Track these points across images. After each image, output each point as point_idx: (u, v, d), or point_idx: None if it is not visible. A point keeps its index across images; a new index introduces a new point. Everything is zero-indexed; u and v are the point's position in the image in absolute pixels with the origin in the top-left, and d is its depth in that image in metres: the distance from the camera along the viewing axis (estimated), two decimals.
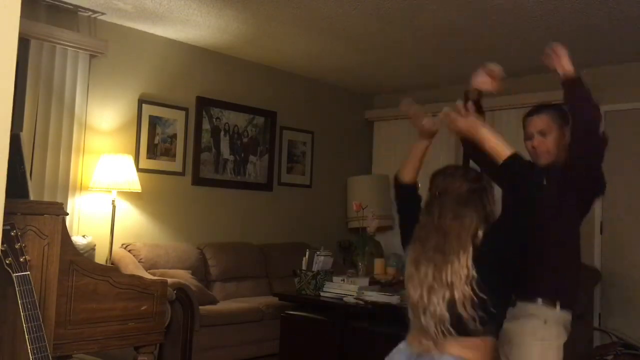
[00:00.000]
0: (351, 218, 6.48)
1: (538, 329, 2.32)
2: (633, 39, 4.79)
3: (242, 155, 5.93)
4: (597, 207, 5.52)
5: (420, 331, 1.95)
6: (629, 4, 4.05)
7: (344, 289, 4.18)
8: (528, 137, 2.53)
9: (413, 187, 2.30)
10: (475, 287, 1.86)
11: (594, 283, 5.33)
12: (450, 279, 1.88)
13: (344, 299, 4.08)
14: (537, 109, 2.61)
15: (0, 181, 1.72)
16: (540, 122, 2.54)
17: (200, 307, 4.45)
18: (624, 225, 5.39)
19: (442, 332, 1.88)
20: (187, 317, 4.32)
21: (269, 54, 5.68)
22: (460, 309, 1.86)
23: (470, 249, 1.89)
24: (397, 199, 2.34)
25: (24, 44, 4.20)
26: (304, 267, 4.51)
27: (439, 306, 1.88)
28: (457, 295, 1.86)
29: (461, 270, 1.87)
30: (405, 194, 2.30)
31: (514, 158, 1.95)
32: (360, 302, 3.99)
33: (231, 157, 5.83)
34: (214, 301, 4.85)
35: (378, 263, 4.57)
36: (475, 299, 1.85)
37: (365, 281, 4.25)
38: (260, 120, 6.08)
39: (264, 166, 6.12)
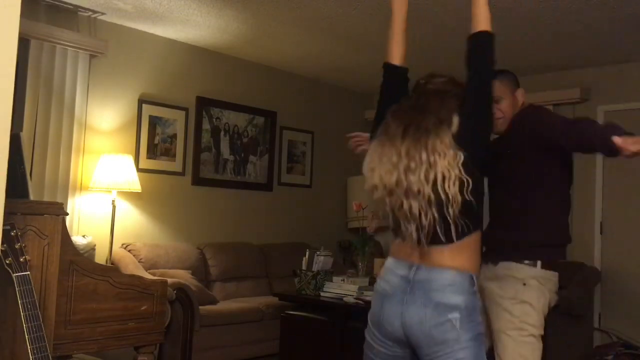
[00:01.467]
0: (351, 218, 6.48)
1: (518, 291, 2.38)
2: (633, 39, 4.79)
3: (242, 155, 5.93)
4: (597, 207, 5.53)
5: (407, 243, 1.90)
6: (629, 3, 4.05)
7: (344, 289, 4.18)
8: None
9: (405, 69, 2.34)
10: (462, 169, 1.80)
11: (594, 283, 5.33)
12: (433, 157, 1.81)
13: (344, 299, 4.09)
14: None
15: (0, 181, 1.72)
16: (494, 87, 2.43)
17: (200, 307, 4.45)
18: (624, 225, 5.38)
19: (435, 221, 1.81)
20: (187, 317, 4.32)
21: (269, 54, 5.68)
22: (447, 190, 1.78)
23: (453, 127, 1.86)
24: (384, 80, 2.36)
25: (24, 44, 4.20)
26: (304, 267, 4.52)
27: (423, 185, 1.80)
28: (439, 174, 1.79)
29: (445, 150, 1.81)
30: (396, 75, 2.34)
31: (492, 35, 2.16)
32: (360, 302, 3.99)
33: (231, 157, 5.83)
34: (214, 301, 4.85)
35: (378, 263, 4.57)
36: (463, 181, 1.79)
37: (365, 281, 4.25)
38: (260, 120, 6.08)
39: (264, 166, 6.12)
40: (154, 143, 5.19)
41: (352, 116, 7.04)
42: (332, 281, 4.30)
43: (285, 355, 4.36)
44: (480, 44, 2.26)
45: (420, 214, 1.81)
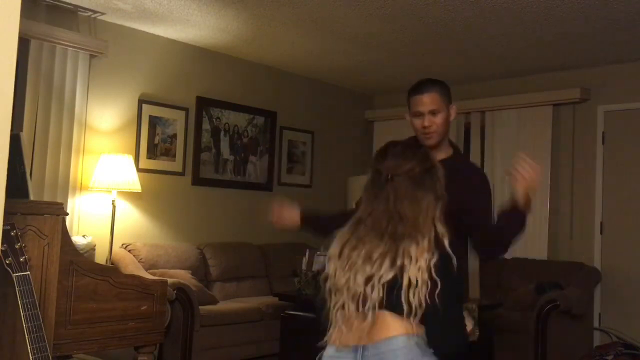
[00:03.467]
0: None
1: None
2: (633, 39, 4.79)
3: (242, 155, 5.93)
4: (597, 207, 5.53)
5: (348, 322, 1.77)
6: (629, 3, 4.05)
7: None
8: (416, 115, 2.38)
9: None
10: (433, 272, 1.68)
11: (594, 283, 5.33)
12: (401, 262, 1.70)
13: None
14: (427, 86, 2.39)
15: (0, 181, 1.72)
16: (431, 100, 2.36)
17: (200, 307, 4.45)
18: (624, 225, 5.38)
19: (377, 309, 1.70)
20: (187, 317, 4.32)
21: (269, 54, 5.68)
22: (411, 299, 1.66)
23: (432, 234, 1.74)
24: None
25: (24, 44, 4.20)
26: (304, 267, 4.52)
27: (374, 290, 1.70)
28: (405, 281, 1.68)
29: (419, 255, 1.69)
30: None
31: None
32: None
33: (231, 157, 5.83)
34: (214, 301, 4.85)
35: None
36: (429, 285, 1.67)
37: None
38: (260, 120, 6.08)
39: (264, 166, 6.12)
40: (154, 143, 5.19)
41: (352, 116, 7.04)
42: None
43: (285, 355, 4.36)
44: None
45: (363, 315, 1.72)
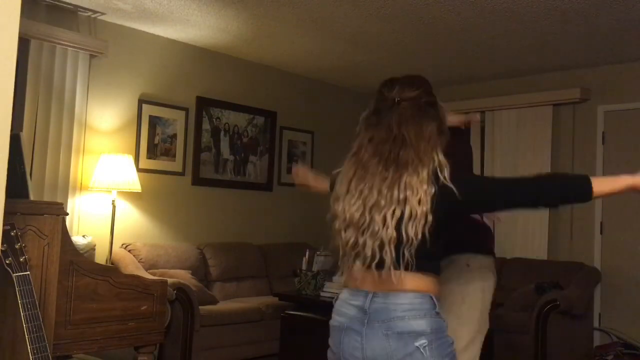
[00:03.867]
0: None
1: (461, 271, 2.53)
2: (633, 39, 4.79)
3: (242, 155, 5.93)
4: (597, 207, 5.53)
5: (360, 268, 1.75)
6: (629, 4, 4.05)
7: None
8: None
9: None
10: (429, 208, 1.66)
11: (594, 283, 5.33)
12: (404, 194, 1.68)
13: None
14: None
15: (0, 181, 1.72)
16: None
17: (200, 307, 4.45)
18: (624, 225, 5.38)
19: (392, 259, 1.68)
20: (187, 317, 4.32)
21: (269, 54, 5.68)
22: (409, 230, 1.65)
23: (432, 165, 1.70)
24: None
25: (24, 44, 4.20)
26: (304, 267, 4.52)
27: (387, 225, 1.67)
28: (407, 212, 1.66)
29: (419, 186, 1.67)
30: None
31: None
32: None
33: (231, 157, 5.83)
34: (214, 301, 4.85)
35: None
36: (428, 219, 1.66)
37: None
38: (260, 120, 6.08)
39: (264, 166, 6.12)
40: (154, 143, 5.19)
41: (352, 116, 6.98)
42: (332, 281, 4.30)
43: (285, 355, 4.36)
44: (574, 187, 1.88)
45: (374, 253, 1.69)
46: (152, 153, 5.17)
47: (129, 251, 4.80)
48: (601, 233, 5.52)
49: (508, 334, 4.68)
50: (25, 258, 2.27)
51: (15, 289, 2.22)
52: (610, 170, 5.51)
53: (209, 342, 4.50)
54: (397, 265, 1.68)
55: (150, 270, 4.66)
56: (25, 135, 4.21)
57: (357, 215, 1.73)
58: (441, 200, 1.68)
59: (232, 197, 5.81)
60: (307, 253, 4.60)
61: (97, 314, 2.71)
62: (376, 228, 1.69)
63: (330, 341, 1.84)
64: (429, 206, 1.66)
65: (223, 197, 5.73)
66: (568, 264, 5.37)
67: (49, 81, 4.41)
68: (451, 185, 1.68)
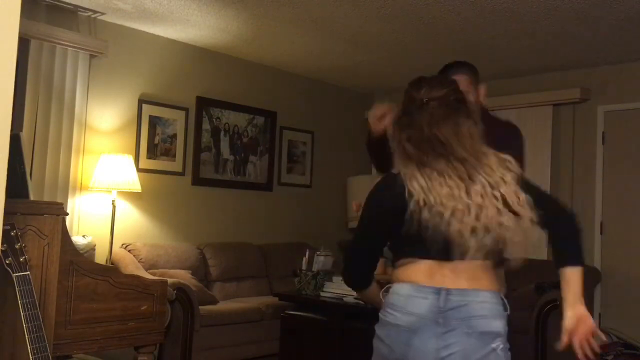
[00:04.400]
0: (351, 218, 6.48)
1: None
2: (633, 39, 4.79)
3: (242, 155, 5.93)
4: (597, 207, 5.53)
5: (433, 261, 1.70)
6: (629, 3, 4.05)
7: (344, 289, 4.17)
8: None
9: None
10: (519, 189, 1.69)
11: (594, 283, 5.33)
12: (493, 179, 1.69)
13: (344, 299, 4.08)
14: (458, 67, 2.40)
15: (0, 181, 1.72)
16: (461, 82, 2.26)
17: (200, 307, 4.45)
18: (624, 225, 5.38)
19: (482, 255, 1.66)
20: (187, 317, 4.31)
21: (269, 54, 5.68)
22: (515, 208, 1.66)
23: (493, 156, 1.74)
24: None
25: (24, 44, 4.20)
26: (304, 267, 4.51)
27: (498, 205, 1.66)
28: (506, 193, 1.67)
29: (499, 172, 1.70)
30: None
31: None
32: (360, 302, 3.99)
33: (231, 157, 5.83)
34: (214, 301, 4.85)
35: (379, 263, 4.56)
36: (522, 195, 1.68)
37: None
38: (260, 120, 6.08)
39: (264, 166, 6.12)
40: (154, 143, 5.19)
41: (352, 116, 7.04)
42: (332, 281, 4.30)
43: (285, 355, 4.36)
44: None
45: (466, 242, 1.65)
46: (152, 153, 5.17)
47: (129, 251, 4.80)
48: (601, 233, 5.52)
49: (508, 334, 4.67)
50: (25, 258, 2.26)
51: (15, 289, 2.22)
52: (611, 170, 5.51)
53: (209, 342, 4.50)
54: (481, 256, 1.68)
55: (150, 270, 4.66)
56: (25, 135, 4.21)
57: (459, 205, 1.66)
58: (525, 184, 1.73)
59: (232, 197, 5.81)
60: (307, 253, 4.60)
61: (97, 314, 2.71)
62: (491, 211, 1.65)
63: (387, 338, 1.72)
64: (518, 187, 1.70)
65: (223, 197, 5.73)
66: None
67: (49, 81, 4.41)
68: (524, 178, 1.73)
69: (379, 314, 1.78)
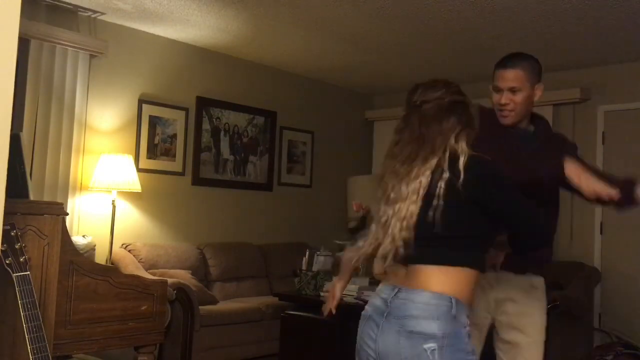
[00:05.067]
0: (351, 218, 6.47)
1: (528, 293, 2.40)
2: (633, 39, 4.79)
3: (242, 155, 5.93)
4: (597, 207, 5.52)
5: (394, 264, 1.80)
6: (629, 3, 4.05)
7: None
8: (496, 89, 2.27)
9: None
10: (441, 193, 1.70)
11: (594, 283, 5.33)
12: (416, 185, 1.73)
13: (344, 299, 4.08)
14: (512, 61, 2.24)
15: (0, 181, 1.72)
16: (513, 77, 2.21)
17: (200, 307, 4.45)
18: (624, 225, 5.38)
19: (407, 256, 1.73)
20: (187, 317, 4.32)
21: (269, 54, 5.68)
22: (428, 218, 1.70)
23: (445, 154, 1.74)
24: None
25: (24, 44, 4.20)
26: (304, 267, 4.52)
27: (407, 217, 1.72)
28: (421, 202, 1.72)
29: (422, 174, 1.73)
30: None
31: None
32: (360, 302, 3.99)
33: (231, 157, 5.83)
34: (214, 301, 4.85)
35: (378, 263, 4.57)
36: (443, 205, 1.69)
37: (365, 281, 4.25)
38: (260, 120, 6.08)
39: (264, 166, 6.12)
40: (154, 143, 5.19)
41: (352, 116, 7.04)
42: (332, 281, 4.29)
43: (285, 355, 4.36)
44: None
45: (398, 248, 1.73)
46: (152, 153, 5.17)
47: (129, 251, 4.80)
48: (601, 233, 5.52)
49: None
50: (25, 258, 2.26)
51: (15, 289, 2.22)
52: (611, 170, 5.50)
53: (209, 342, 4.50)
54: (421, 258, 1.73)
55: (150, 270, 4.66)
56: (25, 135, 4.21)
57: (383, 215, 1.79)
58: (451, 185, 1.70)
59: (232, 197, 5.81)
60: (307, 253, 4.60)
61: (97, 314, 2.71)
62: (398, 225, 1.73)
63: (359, 327, 1.87)
64: (440, 191, 1.69)
65: (223, 197, 5.73)
66: (568, 264, 5.37)
67: (49, 81, 4.41)
68: (459, 172, 1.69)
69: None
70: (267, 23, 4.75)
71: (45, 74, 4.39)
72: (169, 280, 3.90)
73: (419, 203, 1.72)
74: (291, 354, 4.30)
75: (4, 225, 1.92)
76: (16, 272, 2.23)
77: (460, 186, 1.69)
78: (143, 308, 2.89)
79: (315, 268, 4.43)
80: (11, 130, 1.81)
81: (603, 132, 5.58)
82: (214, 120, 5.68)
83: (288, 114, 6.34)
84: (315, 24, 4.71)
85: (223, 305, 4.87)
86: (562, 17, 4.33)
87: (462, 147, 1.74)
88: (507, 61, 2.24)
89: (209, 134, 5.63)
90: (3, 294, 2.33)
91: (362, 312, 1.86)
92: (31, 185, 2.97)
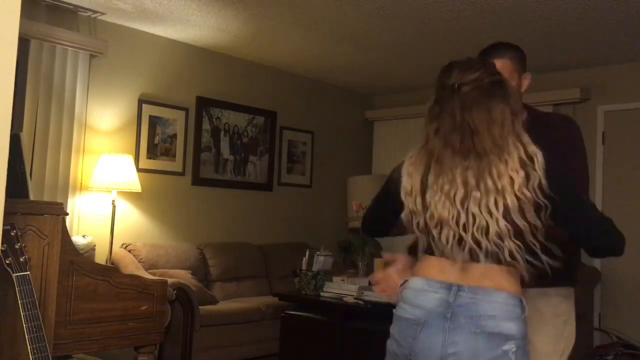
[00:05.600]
0: (351, 218, 6.48)
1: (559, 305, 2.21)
2: (633, 39, 4.79)
3: (242, 155, 5.93)
4: (597, 207, 5.52)
5: (446, 259, 1.64)
6: (629, 3, 4.05)
7: (344, 289, 4.18)
8: None
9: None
10: (538, 193, 1.54)
11: (594, 283, 5.33)
12: (500, 184, 1.55)
13: (344, 299, 4.09)
14: (499, 51, 2.10)
15: (0, 181, 1.72)
16: (500, 68, 1.98)
17: (200, 307, 4.45)
18: (624, 225, 5.35)
19: (492, 254, 1.57)
20: (187, 317, 4.32)
21: (269, 54, 5.68)
22: (517, 219, 1.54)
23: (518, 152, 1.57)
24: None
25: (24, 44, 4.20)
26: (304, 267, 4.52)
27: (493, 215, 1.54)
28: (510, 201, 1.54)
29: (511, 173, 1.55)
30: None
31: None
32: (360, 302, 3.99)
33: (231, 157, 5.83)
34: (214, 301, 4.85)
35: (378, 263, 4.57)
36: (541, 203, 1.54)
37: (365, 281, 4.25)
38: (260, 120, 6.08)
39: (264, 166, 6.12)
40: (154, 143, 5.19)
41: (352, 116, 7.04)
42: (332, 281, 4.30)
43: (285, 355, 4.36)
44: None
45: (480, 247, 1.58)
46: (152, 153, 5.17)
47: (129, 251, 4.80)
48: None
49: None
50: (25, 258, 2.26)
51: (15, 289, 2.22)
52: (610, 170, 5.51)
53: (209, 342, 4.50)
54: (500, 259, 1.58)
55: (150, 270, 4.66)
56: (25, 135, 4.21)
57: (446, 212, 1.60)
58: (548, 188, 1.56)
59: (232, 197, 5.81)
60: (307, 253, 4.60)
61: (97, 314, 2.71)
62: (483, 222, 1.56)
63: (397, 333, 1.68)
64: (534, 193, 1.55)
65: (223, 197, 5.73)
66: None
67: (49, 81, 4.41)
68: (542, 176, 1.56)
69: (393, 310, 1.73)
70: (267, 23, 4.75)
71: (45, 74, 4.39)
72: (169, 280, 3.90)
73: (517, 203, 1.56)
74: (291, 354, 4.30)
75: (4, 225, 1.92)
76: (16, 272, 2.23)
77: (544, 189, 1.56)
78: (143, 308, 2.89)
79: (315, 268, 4.43)
80: (11, 130, 1.81)
81: (603, 132, 5.58)
82: (214, 120, 5.68)
83: (288, 114, 6.34)
84: (315, 24, 4.71)
85: (223, 305, 4.87)
86: (562, 17, 4.33)
87: (528, 143, 1.60)
88: (492, 52, 2.10)
89: (209, 134, 5.63)
90: (3, 294, 2.33)
91: (404, 315, 1.68)
92: (31, 185, 2.97)
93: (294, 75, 6.37)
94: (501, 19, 4.40)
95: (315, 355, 4.15)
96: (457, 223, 1.59)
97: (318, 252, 4.53)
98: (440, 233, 1.62)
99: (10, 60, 1.75)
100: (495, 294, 1.58)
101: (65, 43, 4.45)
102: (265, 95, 6.14)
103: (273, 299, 4.89)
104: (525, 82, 2.14)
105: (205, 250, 5.31)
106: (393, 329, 1.71)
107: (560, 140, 2.02)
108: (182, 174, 5.40)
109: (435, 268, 1.66)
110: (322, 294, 4.27)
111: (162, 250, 4.96)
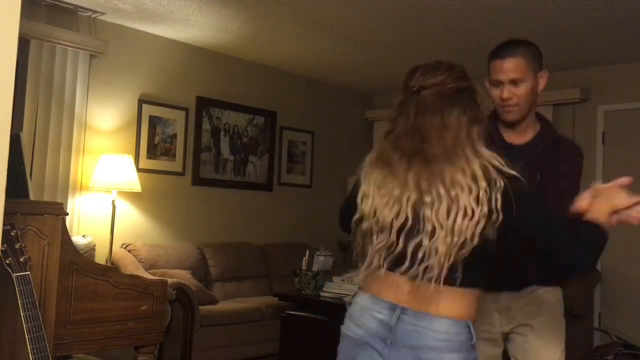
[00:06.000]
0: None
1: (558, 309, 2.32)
2: (633, 39, 4.79)
3: (242, 155, 5.93)
4: None
5: (388, 272, 1.53)
6: (629, 3, 4.05)
7: (344, 289, 4.18)
8: (494, 84, 2.02)
9: None
10: (493, 205, 1.44)
11: (594, 283, 5.33)
12: (454, 191, 1.44)
13: (344, 299, 4.08)
14: (512, 48, 2.00)
15: (0, 181, 1.72)
16: (514, 67, 1.96)
17: (200, 307, 4.45)
18: (624, 225, 5.37)
19: (439, 267, 1.45)
20: (187, 317, 4.32)
21: (269, 54, 5.68)
22: (467, 232, 1.43)
23: (478, 160, 1.47)
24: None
25: (24, 44, 4.20)
26: (304, 267, 4.52)
27: (442, 225, 1.44)
28: (461, 212, 1.43)
29: (471, 183, 1.44)
30: None
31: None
32: None
33: (231, 157, 5.83)
34: (214, 301, 4.85)
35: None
36: (494, 215, 1.44)
37: None
38: (260, 120, 6.08)
39: (264, 166, 6.12)
40: (154, 143, 5.19)
41: (352, 116, 7.04)
42: (332, 281, 4.30)
43: (285, 355, 4.36)
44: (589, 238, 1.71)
45: (424, 255, 1.47)
46: (152, 153, 5.17)
47: (129, 251, 4.80)
48: None
49: None
50: (25, 258, 2.26)
51: (15, 289, 2.22)
52: (611, 170, 5.51)
53: (209, 342, 4.50)
54: (441, 276, 1.45)
55: (150, 270, 4.66)
56: (25, 135, 4.21)
57: (390, 216, 1.51)
58: (507, 202, 1.46)
59: (232, 197, 5.81)
60: (307, 253, 4.60)
61: (97, 314, 2.71)
62: (429, 228, 1.46)
63: (343, 352, 1.62)
64: (488, 206, 1.44)
65: (223, 197, 5.73)
66: None
67: (49, 81, 4.41)
68: (499, 189, 1.46)
69: (341, 327, 1.65)
70: (267, 23, 4.75)
71: (45, 74, 4.39)
72: (169, 280, 3.90)
73: (470, 213, 1.45)
74: (291, 354, 4.30)
75: (4, 225, 1.92)
76: (16, 272, 2.23)
77: (498, 202, 1.46)
78: (143, 308, 2.89)
79: (315, 268, 4.43)
80: (11, 130, 1.81)
81: (603, 132, 5.58)
82: (214, 120, 5.68)
83: (288, 114, 6.34)
84: (315, 24, 4.71)
85: (223, 305, 4.87)
86: (562, 17, 4.33)
87: (485, 154, 1.50)
88: (504, 50, 2.01)
89: (209, 134, 5.63)
90: (3, 294, 2.33)
91: (347, 334, 1.60)
92: (31, 185, 2.97)
93: (294, 75, 6.37)
94: (501, 19, 4.40)
95: (315, 355, 4.15)
96: (400, 228, 1.50)
97: (318, 252, 4.53)
98: (378, 236, 1.54)
99: (10, 60, 1.75)
100: (438, 322, 1.48)
101: (65, 43, 4.45)
102: (265, 95, 6.14)
103: (273, 299, 4.89)
104: (542, 82, 2.02)
105: (205, 250, 5.31)
106: (339, 347, 1.64)
107: (569, 169, 2.02)
108: (182, 174, 5.40)
109: (383, 283, 1.56)
110: (322, 294, 4.27)
111: (162, 250, 4.96)
